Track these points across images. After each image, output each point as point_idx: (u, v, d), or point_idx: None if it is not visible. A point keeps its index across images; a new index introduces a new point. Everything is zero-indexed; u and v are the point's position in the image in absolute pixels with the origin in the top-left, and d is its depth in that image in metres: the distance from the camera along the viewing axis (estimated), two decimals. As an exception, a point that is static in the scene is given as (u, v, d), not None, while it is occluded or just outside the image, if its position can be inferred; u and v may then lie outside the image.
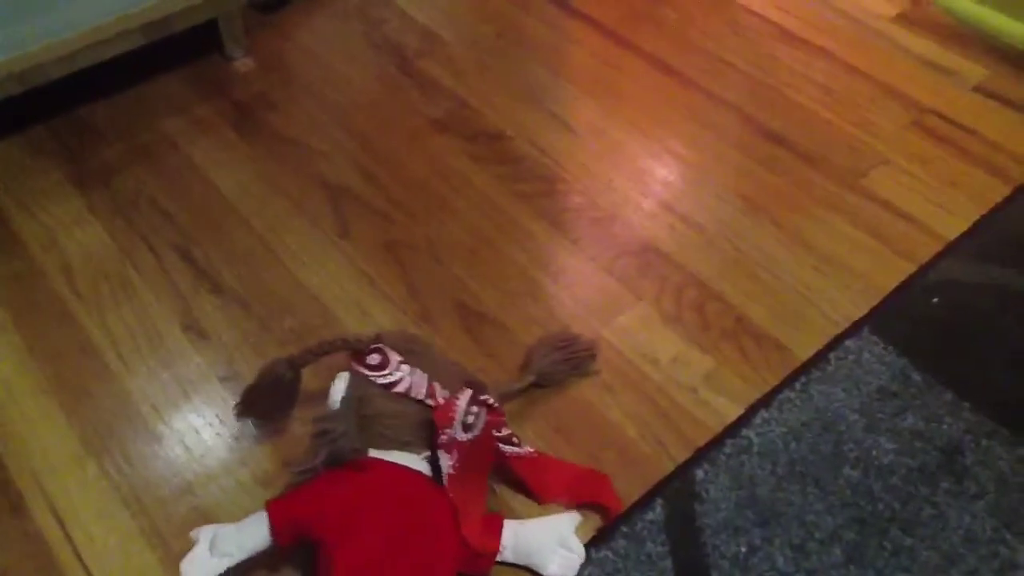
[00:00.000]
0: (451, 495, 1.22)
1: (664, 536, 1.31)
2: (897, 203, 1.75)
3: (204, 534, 1.21)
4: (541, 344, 1.49)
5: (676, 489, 1.36)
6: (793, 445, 1.40)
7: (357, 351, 1.30)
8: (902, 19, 2.17)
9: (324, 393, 1.30)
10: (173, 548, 1.29)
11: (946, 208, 1.74)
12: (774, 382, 1.48)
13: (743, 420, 1.44)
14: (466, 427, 1.24)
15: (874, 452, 1.39)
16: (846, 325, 1.56)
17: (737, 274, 1.63)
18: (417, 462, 1.24)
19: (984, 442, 1.40)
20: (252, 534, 1.20)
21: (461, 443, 1.24)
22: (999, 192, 1.77)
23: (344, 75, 2.04)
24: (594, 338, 1.53)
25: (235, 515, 1.31)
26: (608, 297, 1.60)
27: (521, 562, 1.24)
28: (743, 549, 1.29)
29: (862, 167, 1.82)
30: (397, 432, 1.25)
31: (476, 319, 1.57)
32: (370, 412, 1.25)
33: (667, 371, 1.50)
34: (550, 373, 1.46)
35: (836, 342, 1.53)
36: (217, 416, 1.44)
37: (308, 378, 1.37)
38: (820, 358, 1.51)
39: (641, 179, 1.80)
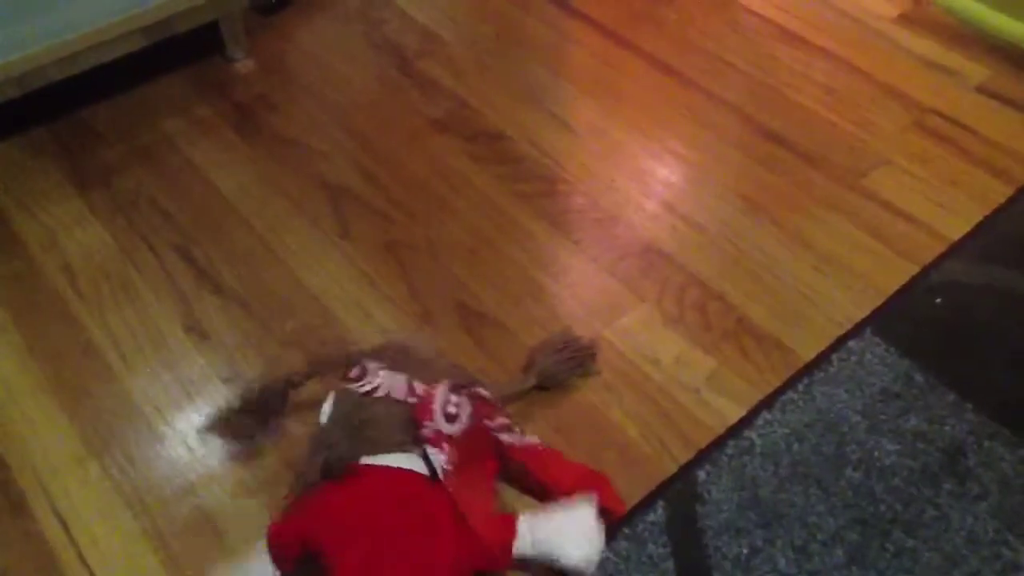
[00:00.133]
0: (451, 489, 1.21)
1: (666, 537, 1.30)
2: (898, 203, 1.75)
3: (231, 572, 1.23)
4: (543, 345, 1.49)
5: (678, 490, 1.36)
6: (795, 446, 1.40)
7: (338, 368, 1.31)
8: (903, 19, 2.17)
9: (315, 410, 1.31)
10: (175, 549, 1.29)
11: (947, 208, 1.74)
12: (776, 383, 1.48)
13: (745, 421, 1.43)
14: (449, 417, 1.24)
15: (876, 453, 1.39)
16: (848, 326, 1.56)
17: (739, 275, 1.63)
18: (411, 461, 1.23)
19: (986, 443, 1.40)
20: (259, 568, 1.21)
21: (451, 436, 1.24)
22: (1001, 192, 1.77)
23: (344, 76, 2.04)
24: (594, 338, 1.53)
25: (236, 515, 1.32)
26: (610, 298, 1.60)
27: (541, 553, 1.22)
28: (745, 550, 1.29)
29: (863, 167, 1.82)
30: (386, 435, 1.25)
31: (477, 319, 1.57)
32: (359, 420, 1.26)
33: (669, 372, 1.50)
34: (552, 374, 1.46)
35: (838, 343, 1.53)
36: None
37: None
38: (822, 359, 1.51)
39: (642, 179, 1.80)
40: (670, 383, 1.48)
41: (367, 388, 1.26)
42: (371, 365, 1.28)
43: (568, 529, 1.22)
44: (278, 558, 1.20)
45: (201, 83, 2.01)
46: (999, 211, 1.73)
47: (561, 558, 1.21)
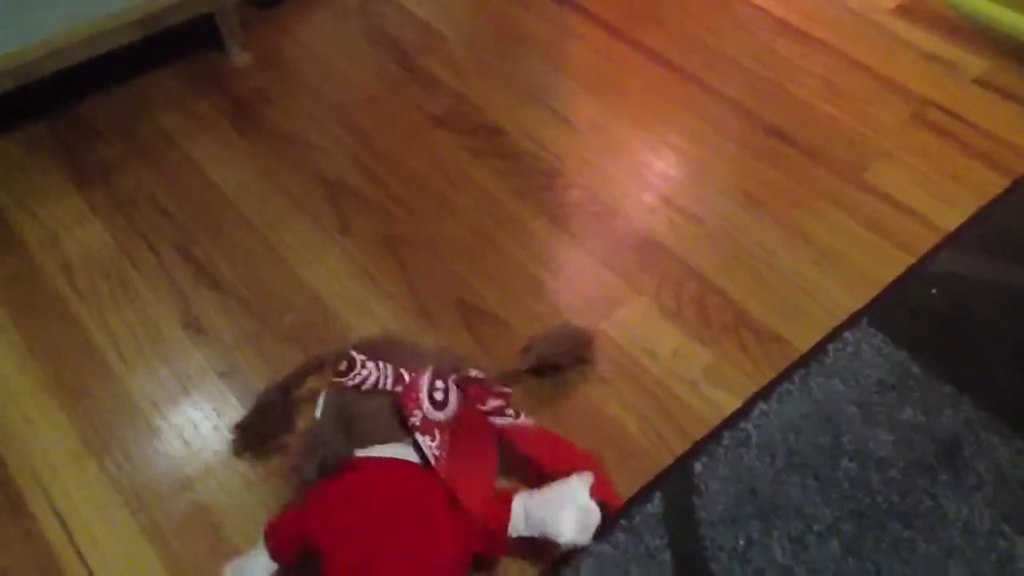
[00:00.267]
0: (443, 475, 1.21)
1: (663, 529, 1.31)
2: (897, 196, 1.74)
3: (228, 570, 1.23)
4: (541, 333, 1.50)
5: (675, 482, 1.36)
6: (791, 438, 1.40)
7: (329, 363, 1.31)
8: (902, 11, 2.17)
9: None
10: (173, 545, 1.30)
11: (946, 201, 1.74)
12: (773, 375, 1.48)
13: (741, 413, 1.44)
14: (436, 404, 1.25)
15: (872, 444, 1.39)
16: (845, 318, 1.56)
17: (737, 268, 1.63)
18: (403, 451, 1.24)
19: (982, 435, 1.40)
20: (262, 562, 1.22)
21: (441, 422, 1.25)
22: (999, 185, 1.76)
23: (343, 71, 2.04)
24: (592, 329, 1.53)
25: (234, 510, 1.32)
26: (608, 291, 1.60)
27: (536, 533, 1.22)
28: (742, 542, 1.29)
29: (862, 160, 1.81)
30: (378, 427, 1.26)
31: (476, 315, 1.57)
32: (350, 415, 1.26)
33: (667, 364, 1.50)
34: (548, 358, 1.46)
35: (835, 334, 1.53)
36: (216, 411, 1.45)
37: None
38: (819, 351, 1.51)
39: (641, 174, 1.80)
40: (668, 376, 1.49)
41: (356, 381, 1.26)
42: (359, 357, 1.28)
43: (561, 505, 1.22)
44: (277, 555, 1.21)
45: (198, 77, 2.01)
46: (996, 203, 1.73)
47: (556, 534, 1.21)
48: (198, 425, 1.43)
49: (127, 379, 1.49)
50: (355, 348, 1.30)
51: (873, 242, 1.67)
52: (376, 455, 1.23)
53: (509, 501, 1.24)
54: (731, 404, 1.45)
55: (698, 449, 1.39)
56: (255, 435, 1.40)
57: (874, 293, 1.59)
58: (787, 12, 2.18)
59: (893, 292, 1.59)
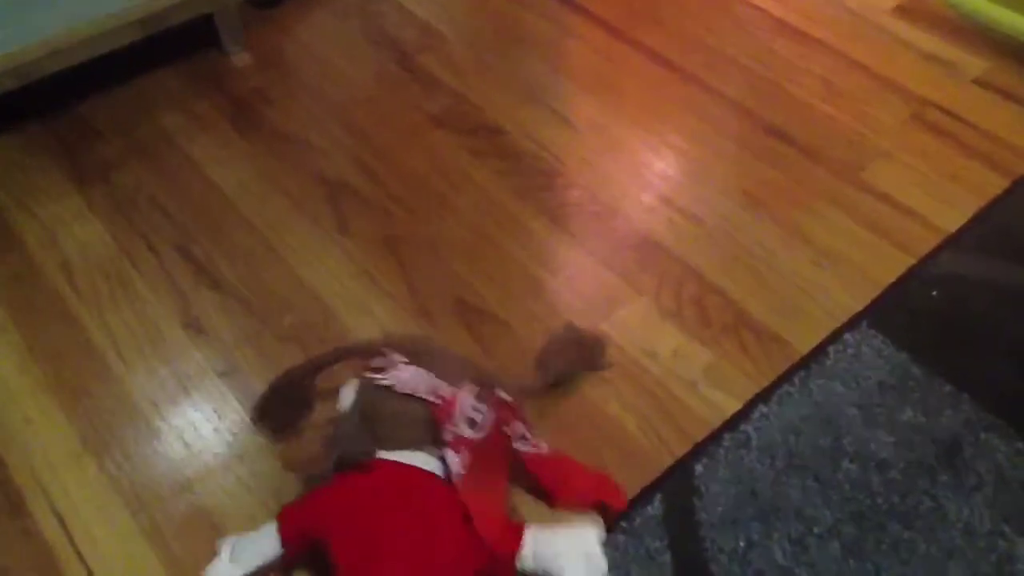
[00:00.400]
0: (463, 494, 1.21)
1: (663, 530, 1.31)
2: (897, 196, 1.74)
3: (226, 543, 1.24)
4: (551, 344, 1.49)
5: (675, 483, 1.36)
6: (792, 439, 1.40)
7: (365, 356, 1.30)
8: (901, 12, 2.17)
9: (335, 399, 1.31)
10: (173, 546, 1.30)
11: (946, 201, 1.74)
12: (773, 376, 1.48)
13: (742, 414, 1.44)
14: (471, 423, 1.24)
15: (873, 446, 1.39)
16: (845, 319, 1.56)
17: (736, 268, 1.63)
18: (426, 461, 1.23)
19: (983, 435, 1.40)
20: (266, 542, 1.22)
21: (470, 441, 1.24)
22: (999, 185, 1.76)
23: (342, 70, 2.04)
24: (593, 329, 1.53)
25: (234, 512, 1.32)
26: (608, 291, 1.60)
27: (541, 571, 1.22)
28: (742, 543, 1.29)
29: (861, 160, 1.81)
30: (405, 432, 1.25)
31: (476, 315, 1.57)
32: (378, 414, 1.25)
33: (666, 365, 1.50)
34: (565, 372, 1.46)
35: (835, 336, 1.53)
36: (216, 412, 1.45)
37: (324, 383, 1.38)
38: (819, 352, 1.51)
39: (640, 173, 1.80)
40: (667, 376, 1.48)
41: (391, 382, 1.26)
42: (396, 358, 1.27)
43: (571, 550, 1.23)
44: (287, 542, 1.21)
45: (198, 77, 2.01)
46: (996, 203, 1.73)
47: None
48: (198, 426, 1.43)
49: (127, 379, 1.49)
50: (393, 347, 1.30)
51: (872, 242, 1.67)
52: (398, 459, 1.23)
53: (520, 530, 1.23)
54: (731, 404, 1.45)
55: (698, 450, 1.39)
56: (266, 415, 1.40)
57: (873, 293, 1.59)
58: (786, 12, 2.18)
59: (893, 293, 1.59)
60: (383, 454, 1.23)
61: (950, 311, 1.57)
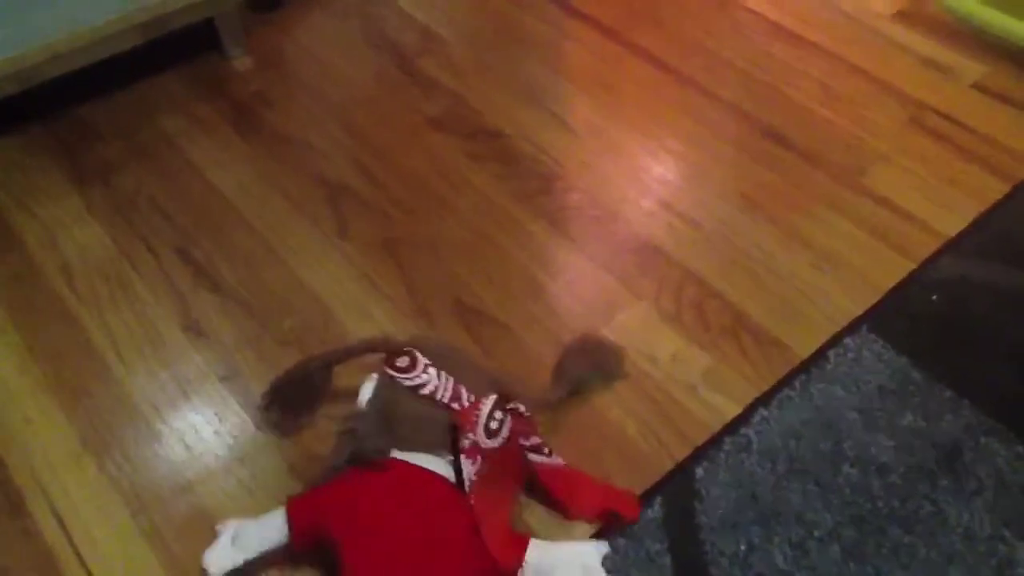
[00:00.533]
0: (473, 502, 1.21)
1: (663, 534, 1.31)
2: (896, 200, 1.75)
3: (227, 528, 1.24)
4: (568, 354, 1.49)
5: (675, 487, 1.36)
6: (792, 443, 1.40)
7: (389, 353, 1.30)
8: (900, 16, 2.17)
9: (350, 393, 1.31)
10: (173, 547, 1.30)
11: (945, 205, 1.74)
12: (773, 380, 1.48)
13: (742, 418, 1.44)
14: (490, 432, 1.24)
15: (873, 450, 1.39)
16: (845, 323, 1.56)
17: (736, 272, 1.63)
18: (440, 465, 1.23)
19: (983, 440, 1.40)
20: (271, 529, 1.22)
21: (486, 450, 1.24)
22: (998, 189, 1.77)
23: (343, 73, 2.04)
24: (617, 344, 1.53)
25: (234, 513, 1.31)
26: (607, 295, 1.60)
27: None
28: (742, 547, 1.29)
29: (860, 165, 1.82)
30: (422, 434, 1.25)
31: (475, 318, 1.57)
32: (396, 413, 1.25)
33: (666, 369, 1.50)
34: (583, 382, 1.46)
35: (835, 340, 1.53)
36: (216, 415, 1.45)
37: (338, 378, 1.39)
38: (819, 356, 1.51)
39: (640, 177, 1.80)
40: (667, 380, 1.49)
41: (414, 383, 1.26)
42: (422, 359, 1.28)
43: (573, 568, 1.23)
44: (295, 533, 1.21)
45: (199, 80, 2.01)
46: (996, 208, 1.73)
47: None
48: (199, 429, 1.43)
49: (127, 381, 1.49)
50: (418, 348, 1.30)
51: (872, 246, 1.67)
52: (412, 462, 1.23)
53: (525, 544, 1.23)
54: (731, 408, 1.45)
55: (699, 454, 1.40)
56: (281, 406, 1.40)
57: (872, 297, 1.60)
58: (785, 17, 2.18)
59: (893, 298, 1.59)
60: (397, 454, 1.23)
61: (950, 315, 1.57)
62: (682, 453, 1.40)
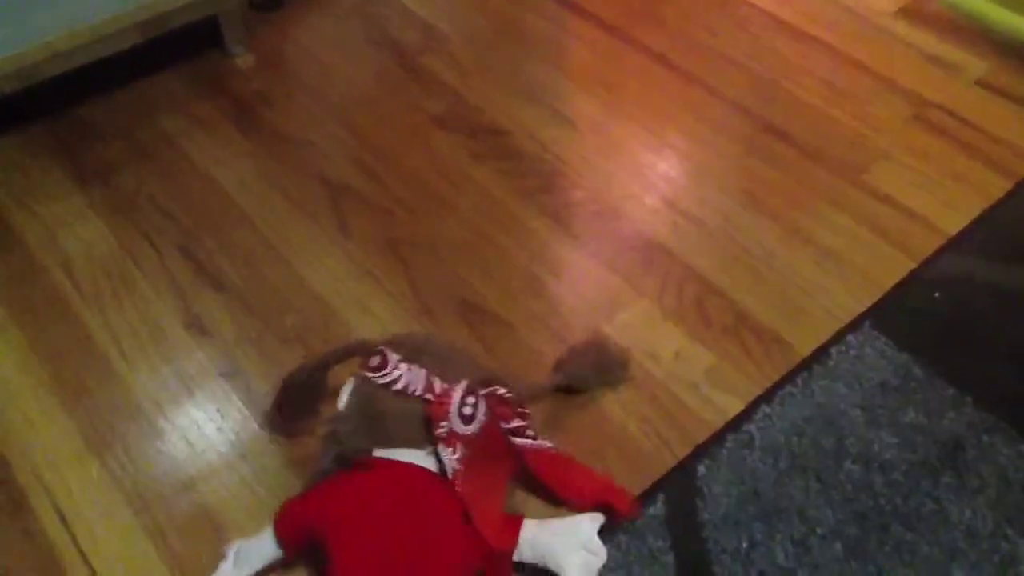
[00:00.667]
0: (460, 489, 1.21)
1: (666, 531, 1.31)
2: (898, 197, 1.74)
3: (231, 549, 1.25)
4: (574, 349, 1.49)
5: (677, 484, 1.36)
6: (794, 440, 1.40)
7: (364, 354, 1.31)
8: (904, 13, 2.17)
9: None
10: (175, 545, 1.30)
11: (947, 202, 1.74)
12: (775, 377, 1.48)
13: (744, 415, 1.44)
14: (464, 418, 1.24)
15: (875, 447, 1.39)
16: (847, 320, 1.56)
17: (738, 269, 1.63)
18: (423, 458, 1.23)
19: (985, 437, 1.40)
20: (268, 544, 1.23)
21: (465, 436, 1.24)
22: (1000, 186, 1.76)
23: (344, 72, 2.04)
24: (625, 349, 1.53)
25: (237, 511, 1.32)
26: (610, 293, 1.60)
27: (539, 562, 1.23)
28: (744, 544, 1.29)
29: (863, 161, 1.81)
30: (402, 430, 1.25)
31: (478, 315, 1.57)
32: (375, 413, 1.26)
33: (669, 367, 1.50)
34: (581, 377, 1.46)
35: (837, 337, 1.53)
36: (219, 412, 1.45)
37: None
38: (821, 353, 1.51)
39: (642, 174, 1.80)
40: (669, 378, 1.48)
41: (386, 380, 1.26)
42: (392, 356, 1.28)
43: (569, 541, 1.23)
44: (282, 540, 1.21)
45: (200, 79, 2.01)
46: (998, 205, 1.73)
47: (559, 570, 1.22)
48: (201, 426, 1.43)
49: (129, 378, 1.49)
50: (392, 345, 1.30)
51: (874, 243, 1.67)
52: (395, 458, 1.23)
53: (518, 526, 1.24)
54: (733, 406, 1.45)
55: (701, 451, 1.39)
56: (276, 417, 1.41)
57: (874, 294, 1.59)
58: (788, 13, 2.18)
59: (895, 295, 1.59)
60: (380, 452, 1.24)
61: (952, 313, 1.57)
62: (684, 450, 1.40)
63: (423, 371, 1.28)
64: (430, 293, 1.60)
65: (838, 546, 1.29)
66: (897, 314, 1.56)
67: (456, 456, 1.23)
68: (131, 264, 1.64)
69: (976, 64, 2.03)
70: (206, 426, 1.43)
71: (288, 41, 2.12)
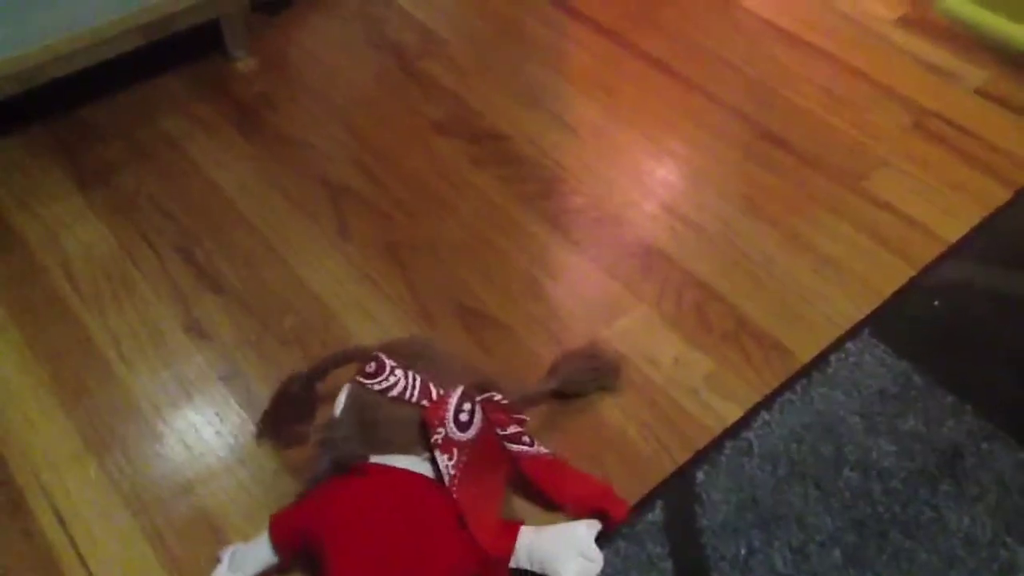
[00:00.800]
0: (456, 496, 1.21)
1: (664, 537, 1.31)
2: (898, 205, 1.75)
3: (227, 553, 1.25)
4: (568, 354, 1.49)
5: (676, 490, 1.36)
6: (793, 447, 1.40)
7: (360, 360, 1.30)
8: (903, 21, 2.17)
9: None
10: (173, 547, 1.30)
11: (946, 210, 1.74)
12: (775, 384, 1.48)
13: (743, 422, 1.44)
14: (461, 425, 1.24)
15: (874, 454, 1.39)
16: (847, 327, 1.56)
17: (738, 276, 1.63)
18: (419, 464, 1.23)
19: (984, 445, 1.40)
20: (264, 549, 1.23)
21: (461, 442, 1.24)
22: (999, 195, 1.77)
23: (345, 75, 2.04)
24: (618, 355, 1.53)
25: (235, 514, 1.32)
26: (609, 298, 1.60)
27: (536, 569, 1.23)
28: (743, 551, 1.29)
29: (863, 169, 1.82)
30: (398, 436, 1.25)
31: (477, 319, 1.57)
32: (371, 419, 1.26)
33: (668, 373, 1.50)
34: (575, 383, 1.45)
35: (837, 344, 1.53)
36: (217, 415, 1.45)
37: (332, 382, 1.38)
38: (821, 360, 1.51)
39: (642, 180, 1.80)
40: (669, 384, 1.49)
41: (382, 386, 1.26)
42: (388, 362, 1.28)
43: (566, 550, 1.23)
44: (278, 545, 1.21)
45: (202, 81, 2.01)
46: (997, 213, 1.73)
47: (555, 574, 1.22)
48: (199, 429, 1.43)
49: (129, 380, 1.49)
50: (387, 351, 1.30)
51: (872, 250, 1.67)
52: (391, 464, 1.23)
53: (515, 532, 1.24)
54: (732, 412, 1.45)
55: (700, 458, 1.40)
56: (272, 424, 1.40)
57: (874, 301, 1.60)
58: (788, 20, 2.18)
59: (895, 302, 1.59)
60: (376, 458, 1.23)
61: (952, 320, 1.57)
62: (683, 456, 1.40)
63: (419, 377, 1.28)
64: (429, 296, 1.61)
65: (837, 553, 1.29)
66: (896, 321, 1.56)
67: (452, 462, 1.22)
68: (131, 265, 1.64)
69: (975, 73, 2.03)
70: (204, 430, 1.43)
71: (290, 44, 2.12)
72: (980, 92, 1.99)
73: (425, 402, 1.25)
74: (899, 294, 1.61)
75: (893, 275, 1.63)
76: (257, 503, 1.34)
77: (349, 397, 1.29)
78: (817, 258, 1.66)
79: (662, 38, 2.14)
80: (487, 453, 1.28)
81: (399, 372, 1.27)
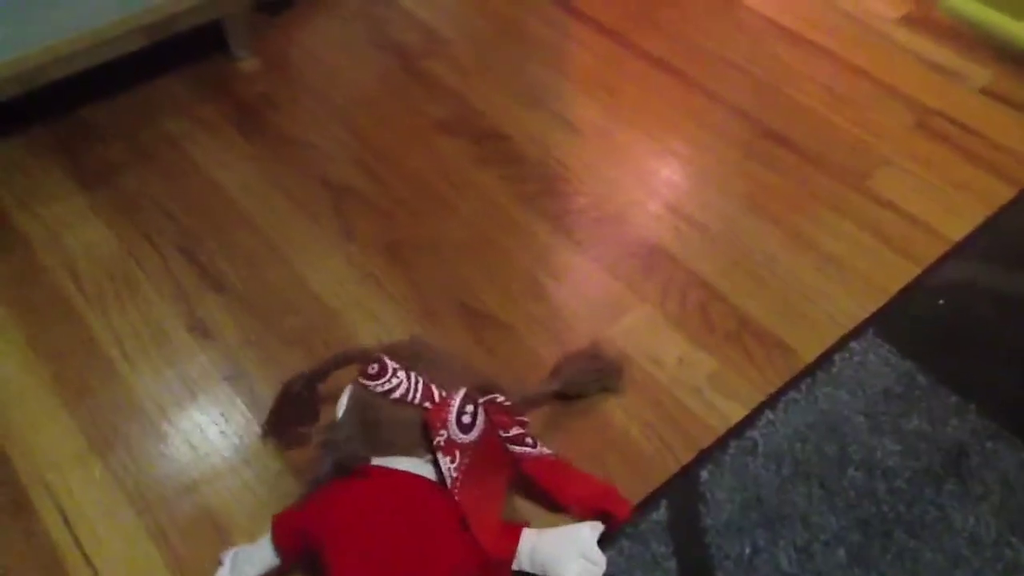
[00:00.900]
0: (459, 498, 1.21)
1: (668, 536, 1.31)
2: (901, 204, 1.74)
3: (228, 556, 1.25)
4: (571, 356, 1.49)
5: (680, 490, 1.36)
6: (798, 446, 1.40)
7: (362, 362, 1.30)
8: (907, 20, 2.17)
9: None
10: (177, 547, 1.30)
11: (950, 209, 1.74)
12: (779, 383, 1.48)
13: (748, 421, 1.43)
14: (463, 427, 1.24)
15: (879, 454, 1.39)
16: (851, 326, 1.56)
17: (741, 275, 1.63)
18: (421, 466, 1.23)
19: (989, 444, 1.40)
20: (266, 551, 1.23)
21: (464, 444, 1.24)
22: (1003, 194, 1.76)
23: (348, 75, 2.04)
24: (621, 356, 1.52)
25: (239, 514, 1.32)
26: (612, 298, 1.60)
27: (538, 571, 1.23)
28: (747, 550, 1.29)
29: (866, 168, 1.81)
30: (400, 438, 1.25)
31: (479, 319, 1.57)
32: (373, 420, 1.25)
33: (672, 372, 1.50)
34: (577, 384, 1.45)
35: (841, 344, 1.53)
36: (222, 415, 1.44)
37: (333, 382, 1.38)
38: (825, 360, 1.51)
39: (645, 179, 1.80)
40: (672, 383, 1.48)
41: (384, 388, 1.26)
42: (390, 364, 1.27)
43: (568, 550, 1.23)
44: (280, 547, 1.21)
45: (204, 82, 2.01)
46: (1002, 212, 1.73)
47: None
48: (204, 429, 1.43)
49: (132, 380, 1.49)
50: (389, 353, 1.30)
51: (876, 249, 1.67)
52: (393, 466, 1.23)
53: (518, 534, 1.24)
54: (736, 412, 1.45)
55: (704, 457, 1.39)
56: (276, 425, 1.40)
57: (878, 300, 1.60)
58: (790, 19, 2.18)
59: (899, 302, 1.59)
60: (378, 460, 1.23)
61: (956, 320, 1.57)
62: (687, 456, 1.40)
63: (421, 379, 1.27)
64: (431, 296, 1.60)
65: (841, 553, 1.29)
66: (900, 321, 1.56)
67: (454, 464, 1.22)
68: (134, 265, 1.64)
69: (978, 72, 2.03)
70: (209, 429, 1.43)
71: (293, 44, 2.12)
72: (983, 91, 1.99)
73: (427, 404, 1.25)
74: (903, 293, 1.60)
75: (896, 274, 1.63)
76: (261, 503, 1.34)
77: (351, 399, 1.29)
78: (820, 257, 1.66)
79: (664, 37, 2.14)
80: (489, 455, 1.27)
81: (401, 374, 1.27)
